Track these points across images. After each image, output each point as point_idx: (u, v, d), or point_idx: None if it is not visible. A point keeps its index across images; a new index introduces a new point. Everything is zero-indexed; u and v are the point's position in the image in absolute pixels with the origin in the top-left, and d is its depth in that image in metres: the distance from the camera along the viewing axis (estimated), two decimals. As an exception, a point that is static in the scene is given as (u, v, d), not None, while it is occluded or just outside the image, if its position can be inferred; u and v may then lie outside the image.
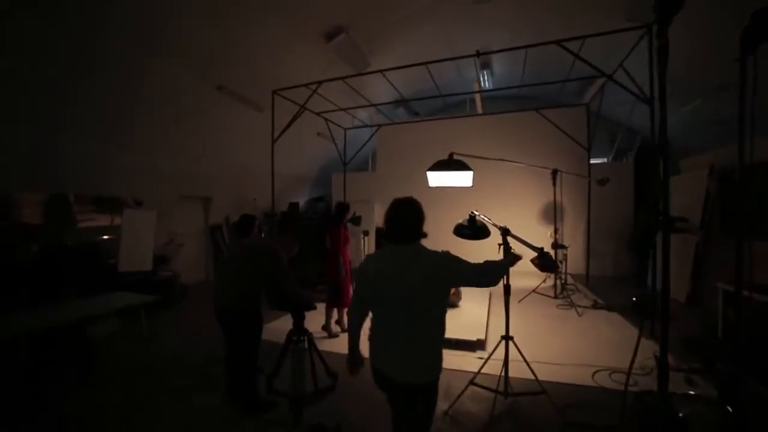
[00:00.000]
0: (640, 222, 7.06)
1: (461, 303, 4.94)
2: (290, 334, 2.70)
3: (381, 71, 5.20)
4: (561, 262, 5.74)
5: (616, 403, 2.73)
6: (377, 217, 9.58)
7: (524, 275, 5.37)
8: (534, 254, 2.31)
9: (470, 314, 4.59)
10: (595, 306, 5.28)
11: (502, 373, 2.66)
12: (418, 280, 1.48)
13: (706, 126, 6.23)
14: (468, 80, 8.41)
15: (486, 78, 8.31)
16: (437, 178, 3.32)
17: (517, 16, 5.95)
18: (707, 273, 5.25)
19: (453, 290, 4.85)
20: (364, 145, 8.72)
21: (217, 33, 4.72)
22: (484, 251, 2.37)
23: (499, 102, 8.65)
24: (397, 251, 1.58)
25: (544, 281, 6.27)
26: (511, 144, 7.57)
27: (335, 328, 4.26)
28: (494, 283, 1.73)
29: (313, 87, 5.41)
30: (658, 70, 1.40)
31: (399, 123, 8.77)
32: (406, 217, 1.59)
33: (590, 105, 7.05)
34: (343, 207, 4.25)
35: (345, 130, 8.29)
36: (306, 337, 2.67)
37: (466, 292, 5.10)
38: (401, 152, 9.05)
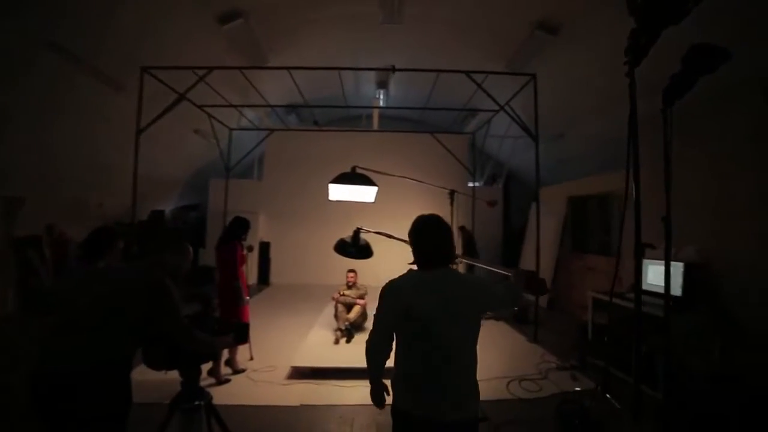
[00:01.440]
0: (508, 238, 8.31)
1: (368, 324, 4.68)
2: (178, 398, 1.92)
3: (288, 68, 4.65)
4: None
5: (536, 413, 2.93)
6: (262, 230, 8.60)
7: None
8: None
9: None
10: (485, 317, 5.77)
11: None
12: (462, 309, 1.34)
13: (552, 163, 7.78)
14: (364, 96, 8.47)
15: (382, 97, 8.54)
16: (339, 192, 3.12)
17: (420, 42, 6.24)
18: (561, 281, 6.44)
19: (359, 310, 4.56)
20: (253, 149, 7.79)
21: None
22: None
23: (393, 121, 8.97)
24: (431, 278, 1.39)
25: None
26: (405, 162, 7.82)
27: (225, 370, 3.41)
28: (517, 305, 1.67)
29: (201, 73, 4.44)
30: (630, 146, 1.45)
31: (295, 129, 8.14)
32: (439, 235, 1.43)
33: (475, 135, 7.94)
34: (243, 222, 3.59)
35: (230, 130, 7.22)
36: (204, 402, 1.94)
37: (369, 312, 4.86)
38: (293, 161, 8.41)
